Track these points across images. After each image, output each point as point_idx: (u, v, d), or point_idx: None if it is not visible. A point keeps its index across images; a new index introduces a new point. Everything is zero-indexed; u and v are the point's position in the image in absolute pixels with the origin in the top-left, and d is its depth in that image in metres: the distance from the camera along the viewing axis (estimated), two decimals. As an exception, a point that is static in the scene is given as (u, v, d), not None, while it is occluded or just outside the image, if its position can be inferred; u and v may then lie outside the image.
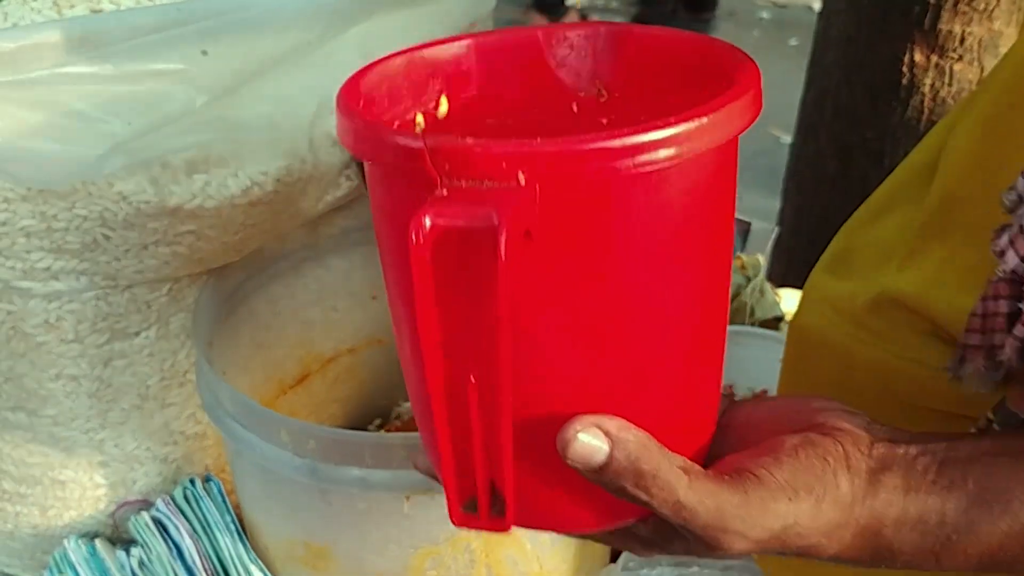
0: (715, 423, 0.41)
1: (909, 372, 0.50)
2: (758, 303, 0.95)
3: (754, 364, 0.89)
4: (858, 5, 1.14)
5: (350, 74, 0.41)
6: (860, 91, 1.17)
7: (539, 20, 3.86)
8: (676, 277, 0.36)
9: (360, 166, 0.68)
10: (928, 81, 1.11)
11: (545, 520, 0.40)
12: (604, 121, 0.44)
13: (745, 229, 1.03)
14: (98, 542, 0.68)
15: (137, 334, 0.64)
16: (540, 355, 0.35)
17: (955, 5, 1.07)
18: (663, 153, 0.32)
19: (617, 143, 0.32)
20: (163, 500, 0.68)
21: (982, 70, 1.10)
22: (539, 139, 0.32)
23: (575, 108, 0.44)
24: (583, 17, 4.00)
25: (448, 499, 0.35)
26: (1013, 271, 0.40)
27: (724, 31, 3.78)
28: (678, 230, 0.35)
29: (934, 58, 1.10)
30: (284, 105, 0.62)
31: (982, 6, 1.07)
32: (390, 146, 0.33)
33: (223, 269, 0.67)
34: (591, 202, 0.33)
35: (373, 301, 0.79)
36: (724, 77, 0.37)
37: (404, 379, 0.41)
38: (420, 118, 0.42)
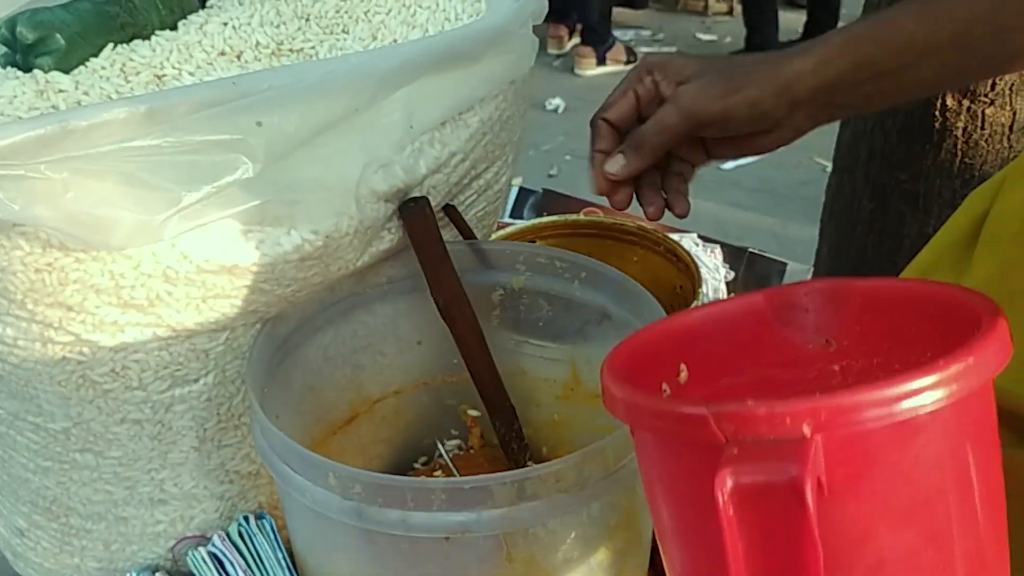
0: None
1: None
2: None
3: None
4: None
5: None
6: (894, 134, 1.19)
7: (587, 53, 3.90)
8: (954, 515, 0.37)
9: (401, 218, 0.72)
10: (960, 125, 1.13)
11: None
12: (836, 368, 0.46)
13: (781, 269, 1.05)
14: (158, 576, 0.73)
15: (196, 380, 0.69)
16: None
17: (986, 51, 1.09)
18: (933, 396, 0.34)
19: (893, 391, 0.34)
20: (219, 536, 0.72)
21: (1014, 113, 1.11)
22: (817, 394, 0.34)
23: (806, 361, 0.46)
24: (630, 51, 4.03)
25: None
26: None
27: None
28: (954, 469, 0.37)
29: (966, 102, 1.12)
30: (333, 166, 0.66)
31: (1013, 52, 1.08)
32: (674, 415, 0.37)
33: (276, 318, 0.71)
34: (872, 448, 0.35)
35: (418, 346, 0.83)
36: (963, 319, 0.39)
37: None
38: (666, 387, 0.45)
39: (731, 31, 4.37)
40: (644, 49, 4.16)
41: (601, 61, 3.89)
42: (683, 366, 0.46)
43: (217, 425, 0.71)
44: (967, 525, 0.38)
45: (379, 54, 0.69)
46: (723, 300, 0.49)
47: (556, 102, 3.58)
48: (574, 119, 3.37)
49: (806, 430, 0.34)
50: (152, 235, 0.59)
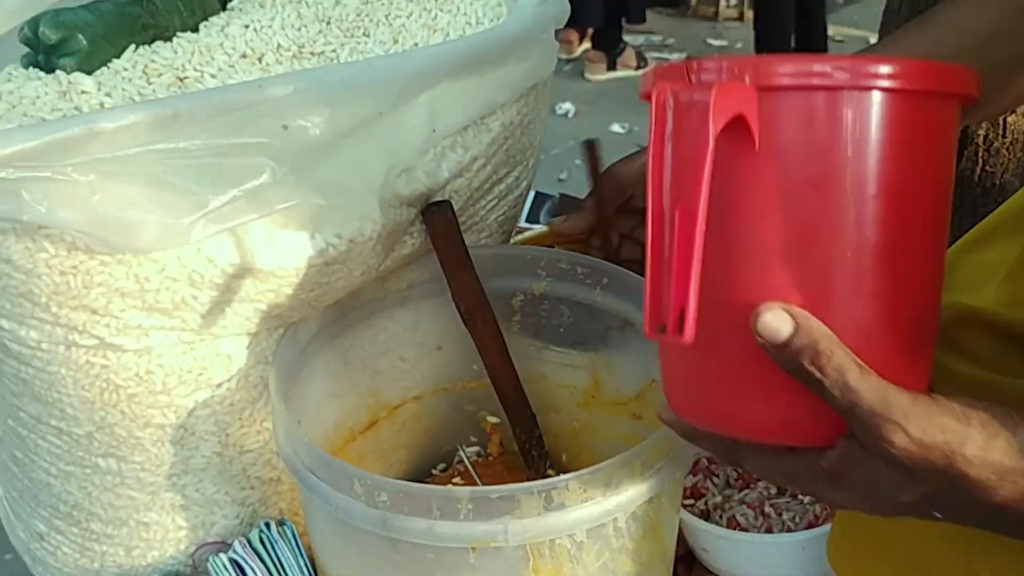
0: (921, 384, 0.44)
1: (993, 383, 0.52)
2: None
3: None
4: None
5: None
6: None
7: (597, 58, 3.90)
8: (878, 203, 0.42)
9: (423, 223, 0.72)
10: (982, 133, 1.12)
11: (726, 420, 0.46)
12: None
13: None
14: (179, 581, 0.72)
15: (219, 385, 0.68)
16: (751, 249, 0.43)
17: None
18: (866, 81, 0.41)
19: (829, 64, 0.41)
20: (240, 542, 0.72)
21: (1035, 120, 1.11)
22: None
23: None
24: (640, 56, 4.02)
25: (645, 321, 0.42)
26: None
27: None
28: (885, 157, 0.42)
29: (988, 109, 1.11)
30: (357, 170, 0.66)
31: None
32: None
33: (298, 323, 0.71)
34: (805, 115, 0.41)
35: (438, 352, 0.83)
36: None
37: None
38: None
39: (742, 37, 4.37)
40: (654, 55, 4.15)
41: (611, 66, 3.88)
42: None
43: (240, 430, 0.71)
44: (878, 214, 0.42)
45: (402, 58, 0.69)
46: None
47: (566, 106, 3.57)
48: (584, 124, 3.37)
49: (747, 79, 0.41)
50: (178, 238, 0.58)
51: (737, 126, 0.41)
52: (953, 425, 0.39)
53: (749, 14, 4.34)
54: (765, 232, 0.42)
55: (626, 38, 4.07)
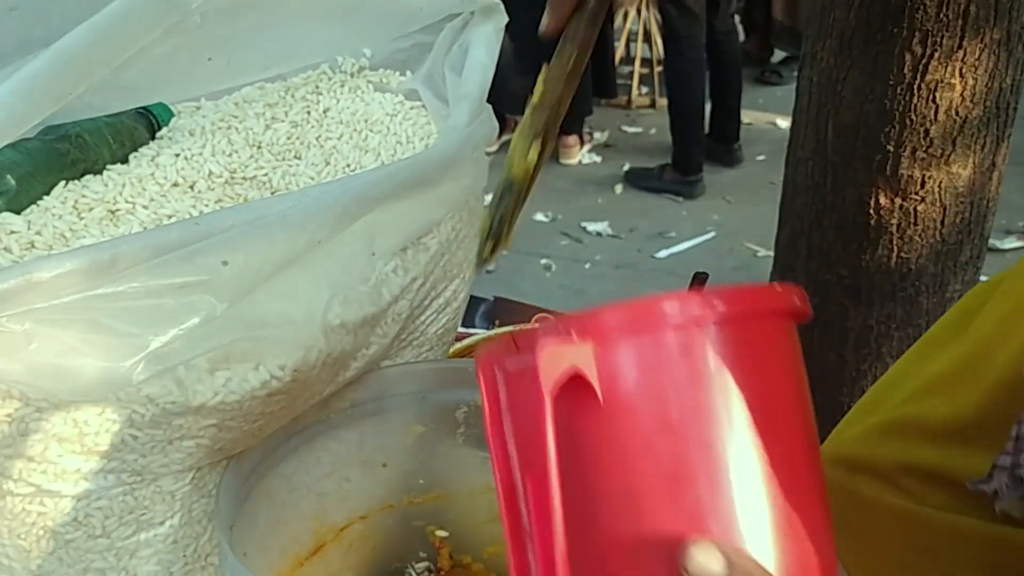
0: None
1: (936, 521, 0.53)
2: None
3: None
4: (823, 154, 1.21)
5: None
6: (831, 233, 1.23)
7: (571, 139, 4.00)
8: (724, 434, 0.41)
9: None
10: (895, 222, 1.17)
11: None
12: None
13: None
14: None
15: (161, 523, 0.67)
16: (622, 503, 0.40)
17: (913, 152, 1.14)
18: (690, 314, 0.40)
19: (656, 306, 0.40)
20: None
21: (944, 209, 1.16)
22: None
23: None
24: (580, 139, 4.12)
25: None
26: None
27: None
28: (733, 386, 0.41)
29: (898, 201, 1.17)
30: (298, 300, 0.66)
31: (939, 152, 1.13)
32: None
33: (241, 453, 0.70)
34: (640, 361, 0.40)
35: (383, 468, 0.82)
36: None
37: None
38: None
39: (655, 123, 4.51)
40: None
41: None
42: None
43: (183, 568, 0.69)
44: (740, 449, 0.41)
45: (339, 185, 0.70)
46: None
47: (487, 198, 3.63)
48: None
49: (575, 335, 0.40)
50: (118, 382, 0.58)
51: (578, 384, 0.39)
52: None
53: (661, 101, 4.49)
54: (631, 481, 0.40)
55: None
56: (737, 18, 4.27)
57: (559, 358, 0.38)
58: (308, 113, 0.91)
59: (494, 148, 4.09)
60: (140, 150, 0.83)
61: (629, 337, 0.40)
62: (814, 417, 0.45)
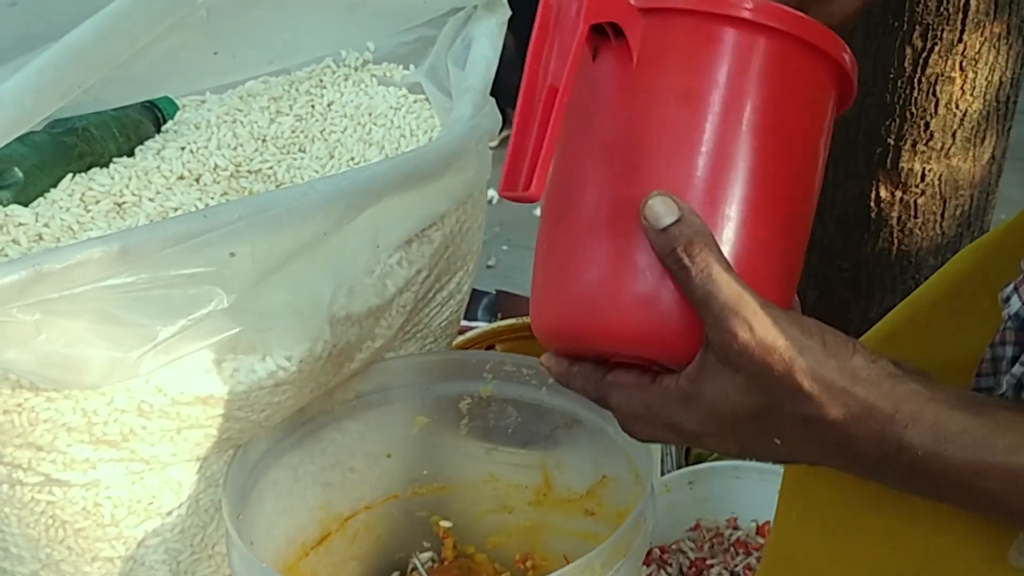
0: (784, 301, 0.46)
1: None
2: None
3: (754, 496, 0.92)
4: (825, 148, 1.21)
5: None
6: (832, 226, 1.23)
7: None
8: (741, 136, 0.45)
9: None
10: (895, 215, 1.18)
11: (591, 332, 0.47)
12: None
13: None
14: None
15: (169, 513, 0.67)
16: (628, 152, 0.46)
17: (913, 145, 1.14)
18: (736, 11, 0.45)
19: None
20: (195, 673, 0.70)
21: (944, 202, 1.17)
22: None
23: None
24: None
25: (501, 181, 0.45)
26: (1016, 314, 0.45)
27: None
28: (756, 90, 0.45)
29: (899, 194, 1.17)
30: (304, 291, 0.66)
31: (939, 145, 1.14)
32: None
33: (248, 443, 0.70)
34: (683, 39, 0.46)
35: (388, 459, 0.83)
36: None
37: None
38: None
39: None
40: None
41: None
42: None
43: (191, 557, 0.70)
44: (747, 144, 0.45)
45: (344, 178, 0.70)
46: None
47: (491, 193, 3.63)
48: (509, 209, 3.42)
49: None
50: (127, 372, 0.58)
51: (619, 45, 0.45)
52: (795, 334, 0.41)
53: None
54: (640, 136, 0.46)
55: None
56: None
57: (603, 6, 0.44)
58: (312, 107, 0.92)
59: (496, 142, 4.10)
60: (146, 143, 0.83)
61: (675, 13, 0.45)
62: (821, 174, 0.49)
